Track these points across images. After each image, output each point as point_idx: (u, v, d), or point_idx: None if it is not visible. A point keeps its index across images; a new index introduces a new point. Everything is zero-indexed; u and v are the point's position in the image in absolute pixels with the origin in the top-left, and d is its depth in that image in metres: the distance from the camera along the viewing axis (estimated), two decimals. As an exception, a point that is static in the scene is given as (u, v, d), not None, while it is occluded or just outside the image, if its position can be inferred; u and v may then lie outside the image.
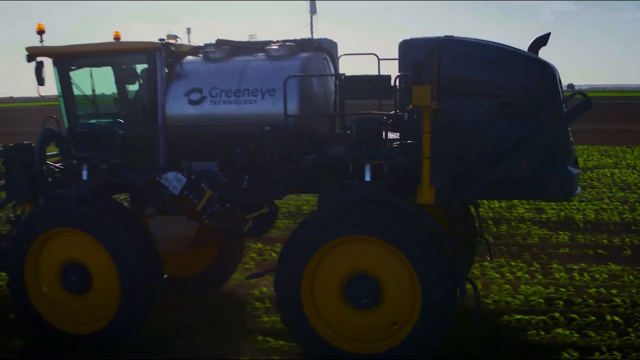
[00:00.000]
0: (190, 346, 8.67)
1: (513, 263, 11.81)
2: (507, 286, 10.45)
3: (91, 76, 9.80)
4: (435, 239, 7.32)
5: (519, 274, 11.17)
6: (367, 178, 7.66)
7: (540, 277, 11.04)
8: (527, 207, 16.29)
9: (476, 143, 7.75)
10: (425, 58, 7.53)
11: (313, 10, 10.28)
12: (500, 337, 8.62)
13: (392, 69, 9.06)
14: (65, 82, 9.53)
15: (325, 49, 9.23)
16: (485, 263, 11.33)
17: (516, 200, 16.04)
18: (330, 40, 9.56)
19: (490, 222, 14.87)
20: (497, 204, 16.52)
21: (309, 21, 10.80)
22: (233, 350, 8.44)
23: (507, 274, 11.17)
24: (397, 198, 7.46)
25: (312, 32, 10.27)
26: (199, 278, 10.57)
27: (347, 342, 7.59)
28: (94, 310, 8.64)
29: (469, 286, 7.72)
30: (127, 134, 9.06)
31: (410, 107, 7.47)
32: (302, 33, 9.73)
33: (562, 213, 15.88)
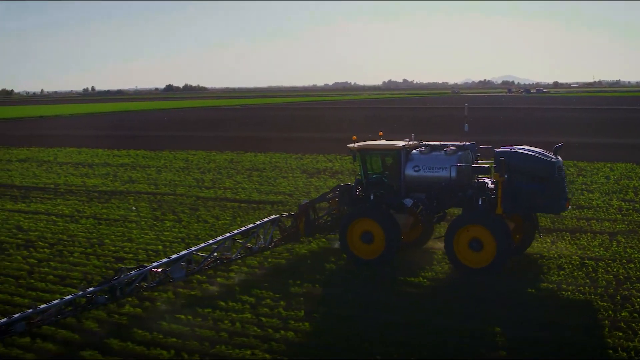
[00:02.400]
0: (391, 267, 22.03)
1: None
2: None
3: (372, 157, 23.39)
4: (502, 224, 20.09)
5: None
6: (480, 203, 20.70)
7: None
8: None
9: (521, 191, 20.28)
10: (502, 159, 20.18)
11: (467, 129, 23.15)
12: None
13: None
14: (363, 159, 23.25)
15: (470, 148, 22.04)
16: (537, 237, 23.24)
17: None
18: (474, 144, 22.35)
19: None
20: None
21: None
22: (416, 272, 21.67)
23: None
24: (488, 212, 20.43)
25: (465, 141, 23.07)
26: (413, 243, 23.79)
27: (470, 263, 20.52)
28: (374, 250, 22.00)
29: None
30: (388, 181, 22.65)
31: (494, 179, 20.44)
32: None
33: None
